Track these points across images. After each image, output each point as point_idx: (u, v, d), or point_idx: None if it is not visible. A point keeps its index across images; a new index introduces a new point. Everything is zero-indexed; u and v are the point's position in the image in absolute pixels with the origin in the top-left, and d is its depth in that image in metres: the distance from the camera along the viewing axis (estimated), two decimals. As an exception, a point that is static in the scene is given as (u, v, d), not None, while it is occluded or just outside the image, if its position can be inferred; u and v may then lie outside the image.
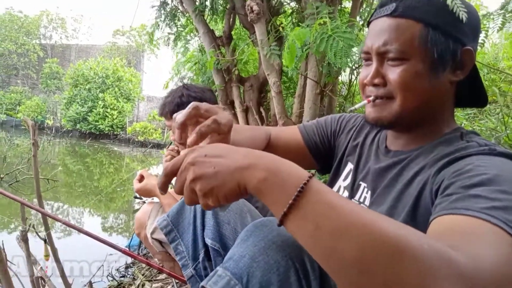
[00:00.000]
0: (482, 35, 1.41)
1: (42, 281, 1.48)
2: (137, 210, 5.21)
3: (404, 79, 0.71)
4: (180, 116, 0.65)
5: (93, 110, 14.47)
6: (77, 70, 15.31)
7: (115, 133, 14.70)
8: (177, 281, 2.04)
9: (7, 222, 4.65)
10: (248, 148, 0.55)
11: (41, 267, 1.73)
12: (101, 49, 20.27)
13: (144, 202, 4.83)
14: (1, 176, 5.99)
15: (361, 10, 2.74)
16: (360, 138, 0.93)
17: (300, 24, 2.18)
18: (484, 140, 0.71)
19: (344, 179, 0.92)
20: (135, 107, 16.50)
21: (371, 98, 0.76)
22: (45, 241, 1.51)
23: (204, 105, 0.66)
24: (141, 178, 1.42)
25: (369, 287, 0.42)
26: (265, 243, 0.61)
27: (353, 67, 2.73)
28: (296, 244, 0.60)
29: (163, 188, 0.59)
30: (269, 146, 0.98)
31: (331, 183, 0.96)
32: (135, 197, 5.04)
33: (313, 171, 0.53)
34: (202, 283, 0.62)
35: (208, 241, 0.89)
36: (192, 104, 0.65)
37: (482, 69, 2.39)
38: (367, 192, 0.83)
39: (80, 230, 1.10)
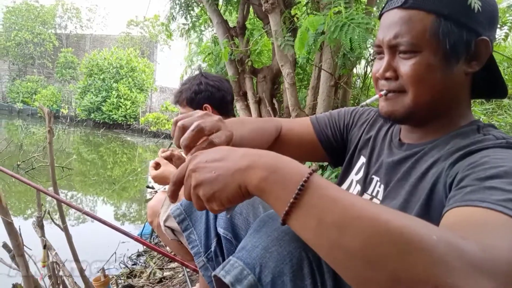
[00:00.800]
0: (505, 28, 1.36)
1: (57, 266, 1.51)
2: (149, 199, 5.27)
3: (416, 72, 0.69)
4: (184, 139, 0.64)
5: (107, 100, 14.64)
6: (91, 60, 15.47)
7: (128, 123, 14.87)
8: (188, 269, 2.06)
9: (24, 208, 4.76)
10: (247, 148, 0.55)
11: (56, 252, 1.77)
12: (115, 39, 20.42)
13: (156, 191, 4.89)
14: (18, 163, 6.13)
15: (377, 1, 2.68)
16: (373, 131, 0.91)
17: (316, 13, 2.15)
18: (502, 133, 0.69)
19: (357, 173, 0.91)
20: (148, 98, 16.64)
21: (383, 92, 0.74)
22: (44, 246, 1.47)
23: (208, 124, 0.65)
24: (157, 166, 1.42)
25: (376, 280, 0.41)
26: (279, 233, 0.61)
27: (369, 59, 2.69)
28: None
29: (173, 196, 0.60)
30: (281, 138, 0.96)
31: (343, 177, 0.95)
32: (148, 187, 5.11)
33: (314, 166, 0.52)
34: (215, 272, 0.61)
35: (220, 231, 0.89)
36: (195, 125, 0.64)
37: (502, 63, 2.32)
38: (379, 186, 0.82)
39: (94, 217, 1.11)
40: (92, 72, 15.25)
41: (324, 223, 0.44)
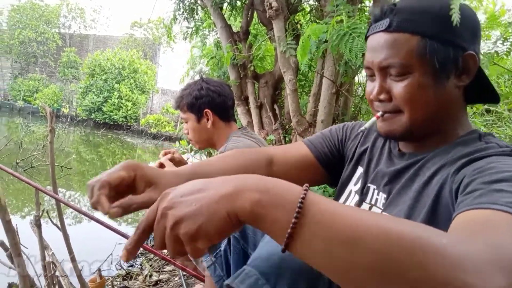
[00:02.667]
0: (508, 44, 1.38)
1: (54, 266, 1.50)
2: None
3: (409, 93, 0.71)
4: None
5: (108, 100, 14.66)
6: (94, 60, 15.51)
7: (129, 124, 14.87)
8: (184, 273, 2.05)
9: (21, 207, 4.75)
10: (224, 176, 0.49)
11: (53, 252, 1.77)
12: (119, 40, 20.49)
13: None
14: (17, 161, 6.12)
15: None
16: (369, 143, 0.92)
17: (318, 21, 2.16)
18: (503, 142, 0.70)
19: (355, 184, 0.91)
20: (149, 99, 16.66)
21: (379, 114, 0.76)
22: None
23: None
24: (161, 166, 1.42)
25: None
26: None
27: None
28: None
29: (135, 248, 0.49)
30: (275, 167, 0.93)
31: (342, 189, 0.95)
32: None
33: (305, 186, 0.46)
34: (228, 281, 0.59)
35: None
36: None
37: (503, 75, 2.33)
38: (378, 194, 0.83)
39: (92, 218, 1.11)
40: (94, 72, 15.29)
41: (334, 241, 0.41)
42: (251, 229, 0.86)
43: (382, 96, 0.74)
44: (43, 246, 1.65)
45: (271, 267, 0.58)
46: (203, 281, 1.09)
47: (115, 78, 15.04)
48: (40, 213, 1.60)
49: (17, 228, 1.39)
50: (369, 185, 0.85)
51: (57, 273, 1.51)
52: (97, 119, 15.04)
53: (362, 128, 0.83)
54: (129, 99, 14.69)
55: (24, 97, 17.40)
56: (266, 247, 0.62)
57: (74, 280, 1.76)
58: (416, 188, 0.72)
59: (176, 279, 2.24)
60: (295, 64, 2.58)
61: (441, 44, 0.69)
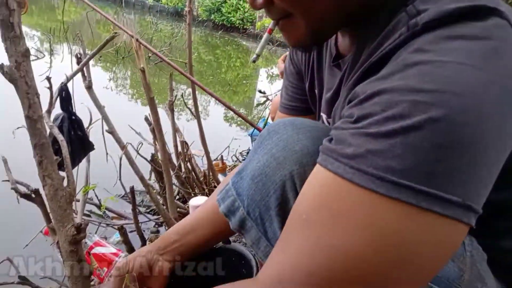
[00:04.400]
0: None
1: (186, 145, 1.65)
2: (259, 104, 5.38)
3: None
4: None
5: (227, 1, 14.71)
6: (215, -42, 15.31)
7: (245, 27, 14.92)
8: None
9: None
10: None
11: (182, 135, 1.94)
12: None
13: (266, 97, 4.98)
14: (149, 55, 6.74)
15: None
16: (313, 62, 0.72)
17: None
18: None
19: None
20: (266, 2, 16.19)
21: (270, 26, 0.56)
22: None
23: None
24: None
25: None
26: (267, 159, 0.50)
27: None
28: (301, 161, 0.48)
29: None
30: None
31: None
32: (259, 91, 5.22)
33: None
34: (217, 196, 0.58)
35: None
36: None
37: None
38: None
39: (225, 104, 1.13)
40: (215, -29, 15.21)
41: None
42: None
43: (258, 1, 0.51)
44: (175, 130, 1.81)
45: (245, 188, 0.52)
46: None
47: (235, -23, 14.78)
48: (174, 98, 1.71)
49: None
50: (321, 114, 0.71)
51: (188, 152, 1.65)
52: (216, 20, 15.38)
53: (254, 57, 0.65)
54: (247, 0, 14.47)
55: (153, -4, 18.48)
56: (247, 160, 0.54)
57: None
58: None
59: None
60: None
61: None
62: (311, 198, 0.40)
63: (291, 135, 0.50)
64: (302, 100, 0.79)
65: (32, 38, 6.45)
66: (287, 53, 1.53)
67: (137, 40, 1.18)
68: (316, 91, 0.72)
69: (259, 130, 1.47)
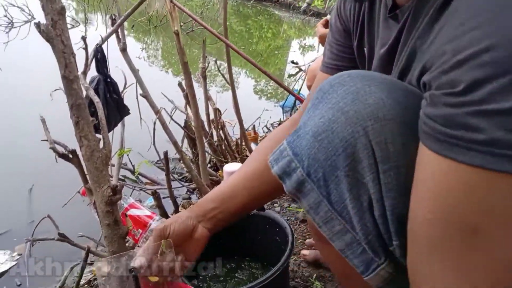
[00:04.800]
0: None
1: (219, 112, 1.63)
2: (291, 75, 5.26)
3: None
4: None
5: (260, -31, 14.28)
6: None
7: (277, -4, 14.50)
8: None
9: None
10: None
11: (214, 103, 1.91)
12: None
13: (299, 67, 4.86)
14: (181, 24, 6.69)
15: None
16: (364, 16, 0.66)
17: None
18: None
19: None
20: (300, -30, 15.59)
21: None
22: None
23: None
24: (326, 24, 1.28)
25: None
26: (333, 113, 0.44)
27: None
28: (377, 115, 0.42)
29: None
30: None
31: None
32: (292, 62, 5.09)
33: None
34: (270, 156, 0.52)
35: None
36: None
37: None
38: None
39: (261, 69, 1.08)
40: None
41: None
42: None
43: None
44: (207, 97, 1.78)
45: (305, 147, 0.46)
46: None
47: None
48: (206, 65, 1.68)
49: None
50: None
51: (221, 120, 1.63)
52: (248, -11, 15.03)
53: (305, 4, 0.55)
54: (280, -33, 13.98)
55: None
56: (305, 117, 0.48)
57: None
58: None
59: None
60: None
61: None
62: (472, 202, 0.33)
63: (361, 87, 0.44)
64: (349, 59, 0.73)
65: (67, 8, 6.54)
66: (328, 16, 1.45)
67: (171, 1, 1.13)
68: (365, 49, 0.66)
69: (296, 97, 1.41)
